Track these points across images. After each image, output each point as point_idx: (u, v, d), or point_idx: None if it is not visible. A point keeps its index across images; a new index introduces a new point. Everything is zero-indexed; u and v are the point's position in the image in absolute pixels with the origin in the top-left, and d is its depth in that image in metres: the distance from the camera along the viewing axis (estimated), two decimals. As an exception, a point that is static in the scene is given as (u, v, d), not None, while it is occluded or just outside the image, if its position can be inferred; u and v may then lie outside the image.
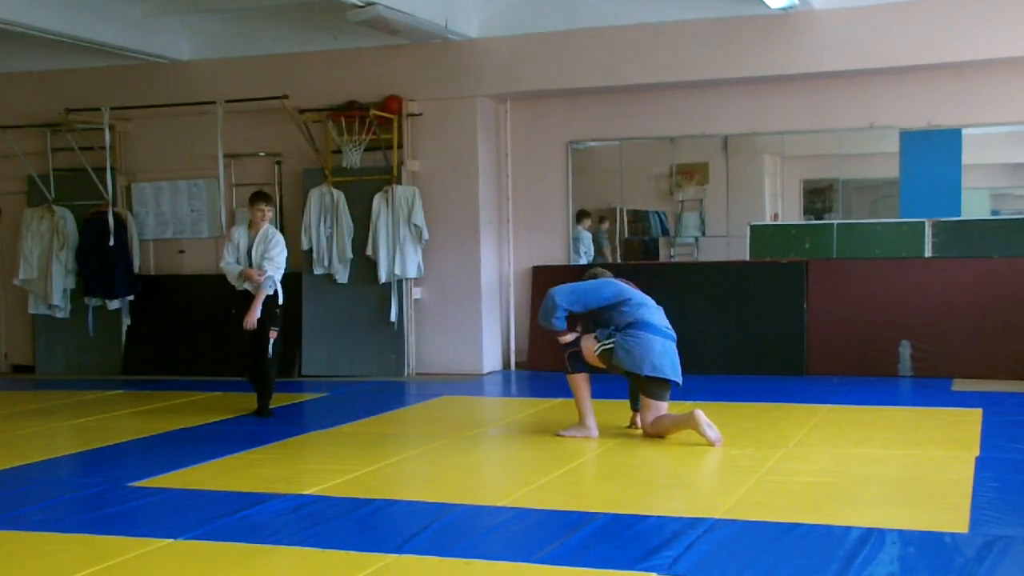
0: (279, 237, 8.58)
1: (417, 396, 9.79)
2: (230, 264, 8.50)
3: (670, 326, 7.30)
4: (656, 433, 7.19)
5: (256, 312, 8.38)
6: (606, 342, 7.16)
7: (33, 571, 4.68)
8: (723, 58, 10.14)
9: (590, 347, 7.24)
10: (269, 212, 8.63)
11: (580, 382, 7.32)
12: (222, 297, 8.78)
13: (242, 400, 8.82)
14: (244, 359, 8.63)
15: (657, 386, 7.13)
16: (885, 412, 8.22)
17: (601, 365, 7.26)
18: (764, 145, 10.79)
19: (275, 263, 8.45)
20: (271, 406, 8.60)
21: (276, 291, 8.53)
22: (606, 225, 11.46)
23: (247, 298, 8.47)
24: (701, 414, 6.94)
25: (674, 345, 7.24)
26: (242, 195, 11.55)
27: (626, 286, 7.35)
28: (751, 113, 10.58)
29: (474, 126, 10.88)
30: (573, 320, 7.45)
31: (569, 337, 7.34)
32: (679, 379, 7.20)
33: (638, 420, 7.41)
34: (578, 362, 7.32)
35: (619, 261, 11.31)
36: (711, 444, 6.87)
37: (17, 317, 12.19)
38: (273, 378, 8.63)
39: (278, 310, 8.58)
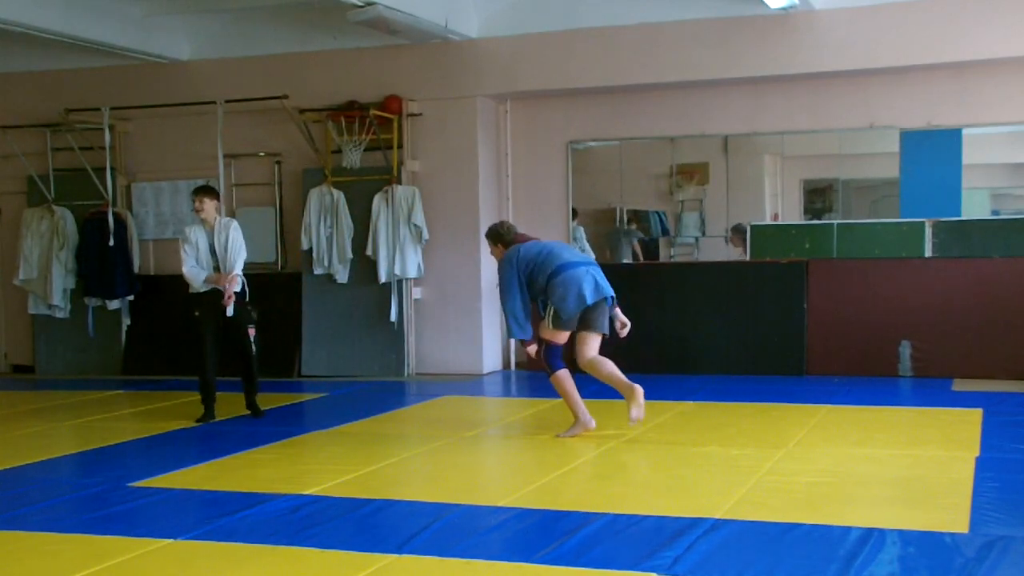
0: (235, 224, 8.47)
1: (417, 396, 9.79)
2: (193, 268, 8.31)
3: (581, 255, 7.59)
4: (590, 371, 7.30)
5: (233, 290, 8.22)
6: (548, 312, 7.23)
7: (33, 571, 4.68)
8: (723, 58, 10.14)
9: (545, 329, 7.30)
10: (209, 203, 8.35)
11: (563, 380, 7.34)
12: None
13: (242, 400, 8.78)
14: (208, 360, 8.41)
15: (595, 312, 7.23)
16: (885, 412, 8.22)
17: (565, 333, 7.29)
18: (764, 145, 10.79)
19: (242, 256, 8.34)
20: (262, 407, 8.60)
21: (243, 287, 8.43)
22: (634, 226, 11.47)
23: (210, 298, 8.31)
24: (641, 393, 7.14)
25: (596, 268, 7.35)
26: (242, 195, 11.58)
27: (524, 252, 7.36)
28: (751, 113, 10.58)
29: (474, 126, 10.88)
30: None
31: (533, 347, 7.41)
32: (611, 292, 7.32)
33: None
34: (553, 356, 7.35)
35: (623, 261, 11.33)
36: (629, 421, 7.15)
37: (17, 317, 12.19)
38: (257, 375, 8.59)
39: (249, 307, 8.51)
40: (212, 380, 8.47)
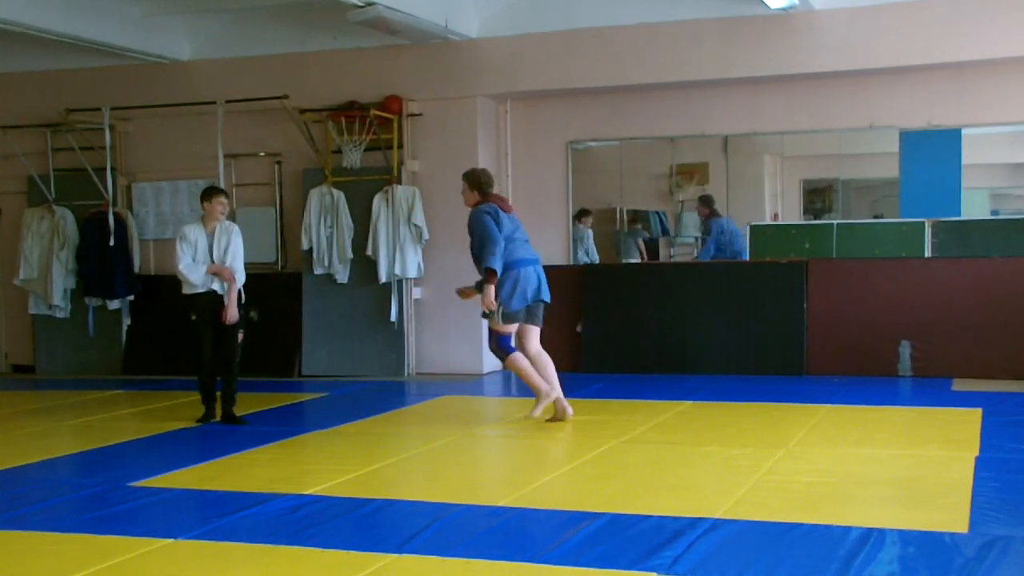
0: (237, 229, 8.35)
1: (417, 396, 9.79)
2: (190, 265, 8.10)
3: (532, 251, 7.92)
4: (534, 363, 7.87)
5: (235, 306, 8.15)
6: (497, 310, 7.66)
7: (33, 571, 4.68)
8: (723, 58, 10.13)
9: (496, 323, 7.72)
10: (227, 205, 8.36)
11: (518, 360, 7.76)
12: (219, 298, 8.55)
13: (243, 400, 8.77)
14: (206, 361, 8.27)
15: (536, 308, 7.85)
16: (885, 412, 8.22)
17: (515, 325, 7.79)
18: (764, 145, 10.79)
19: (242, 260, 8.25)
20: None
21: (239, 292, 8.29)
22: (640, 226, 11.48)
23: (209, 300, 8.16)
24: (565, 403, 7.82)
25: (540, 266, 7.86)
26: (242, 195, 11.58)
27: (502, 224, 7.68)
28: (751, 113, 10.58)
29: (474, 126, 10.88)
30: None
31: (492, 290, 7.63)
32: (548, 297, 7.90)
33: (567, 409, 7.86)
34: (505, 342, 7.76)
35: (627, 261, 11.34)
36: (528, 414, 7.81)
37: (17, 317, 12.19)
38: (236, 381, 8.41)
39: (241, 311, 8.35)
40: (211, 381, 8.39)
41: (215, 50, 11.45)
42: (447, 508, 5.44)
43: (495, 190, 8.03)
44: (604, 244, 11.44)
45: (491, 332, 7.81)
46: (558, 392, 7.85)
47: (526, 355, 7.87)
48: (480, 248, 7.66)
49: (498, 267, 7.56)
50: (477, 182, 7.87)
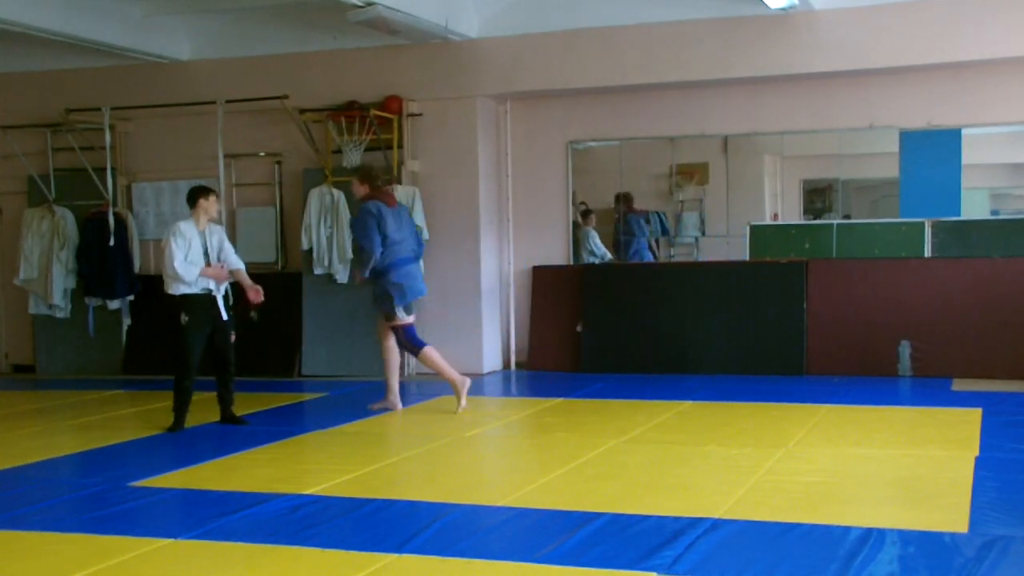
0: (220, 227, 8.30)
1: (417, 396, 9.78)
2: (184, 263, 7.83)
3: (413, 246, 8.59)
4: (383, 341, 8.62)
5: (252, 284, 8.14)
6: (394, 306, 8.34)
7: (33, 571, 4.69)
8: (723, 58, 10.14)
9: (397, 318, 8.39)
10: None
11: (431, 354, 8.51)
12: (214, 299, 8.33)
13: (243, 400, 8.78)
14: (193, 366, 8.05)
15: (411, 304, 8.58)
16: (885, 412, 8.22)
17: (413, 315, 8.59)
18: (764, 145, 10.79)
19: (235, 253, 8.19)
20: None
21: (227, 292, 8.19)
22: (648, 227, 11.50)
23: (204, 301, 7.98)
24: (467, 384, 8.60)
25: (417, 265, 8.64)
26: (242, 195, 11.58)
27: (385, 224, 8.31)
28: (751, 113, 10.58)
29: (474, 126, 10.88)
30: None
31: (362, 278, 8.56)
32: (426, 291, 8.89)
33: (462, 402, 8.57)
34: (412, 335, 8.51)
35: (626, 261, 11.34)
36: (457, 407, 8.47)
37: (17, 317, 12.18)
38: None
39: (230, 312, 8.21)
40: (192, 389, 8.12)
41: (215, 50, 11.45)
42: (447, 508, 5.45)
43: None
44: (605, 244, 11.43)
45: (396, 328, 8.47)
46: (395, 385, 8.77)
47: (380, 334, 8.62)
48: (359, 250, 8.50)
49: (366, 272, 8.34)
50: (369, 177, 8.57)
